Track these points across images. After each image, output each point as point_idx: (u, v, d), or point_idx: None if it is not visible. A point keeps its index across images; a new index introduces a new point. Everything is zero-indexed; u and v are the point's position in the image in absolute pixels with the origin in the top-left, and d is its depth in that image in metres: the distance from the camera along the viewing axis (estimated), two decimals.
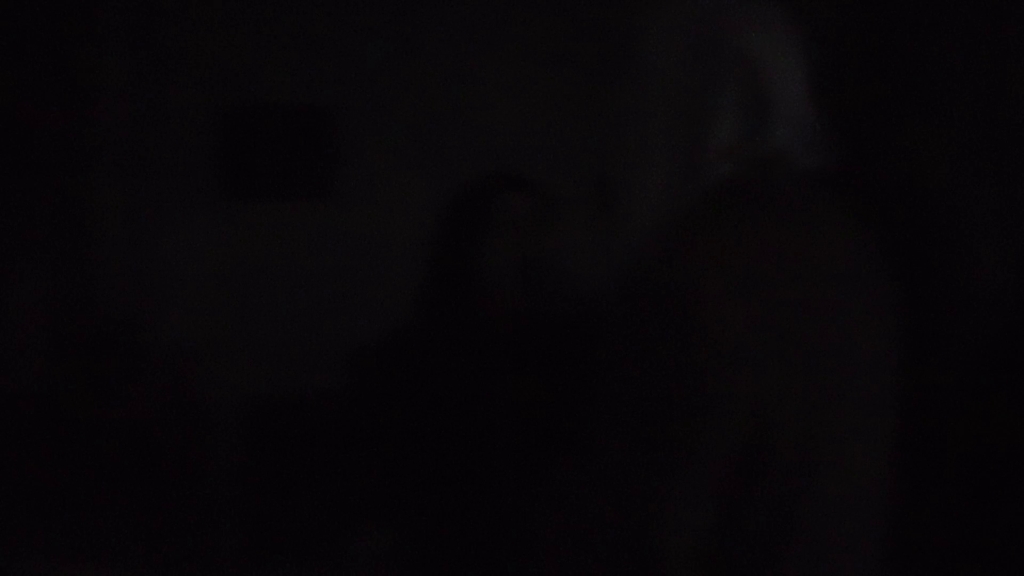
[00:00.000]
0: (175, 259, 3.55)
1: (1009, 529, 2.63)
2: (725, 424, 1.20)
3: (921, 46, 3.33)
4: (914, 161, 3.32)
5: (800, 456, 1.23)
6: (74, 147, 3.81)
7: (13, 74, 3.55)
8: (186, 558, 2.26)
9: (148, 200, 3.81)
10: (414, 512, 2.07)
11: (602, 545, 1.24)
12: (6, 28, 3.55)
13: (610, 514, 1.23)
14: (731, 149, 1.34)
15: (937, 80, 3.31)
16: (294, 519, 3.00)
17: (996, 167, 3.25)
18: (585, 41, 3.65)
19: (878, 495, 1.35)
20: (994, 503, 2.68)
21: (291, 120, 4.01)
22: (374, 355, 2.21)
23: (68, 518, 2.13)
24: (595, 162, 3.60)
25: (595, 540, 1.24)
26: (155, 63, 3.88)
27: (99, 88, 3.86)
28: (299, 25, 3.96)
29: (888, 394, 1.36)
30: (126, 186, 3.82)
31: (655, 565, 1.22)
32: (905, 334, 1.39)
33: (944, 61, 3.31)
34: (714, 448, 1.20)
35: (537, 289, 2.06)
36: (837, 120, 1.42)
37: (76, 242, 3.69)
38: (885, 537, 1.36)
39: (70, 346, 2.18)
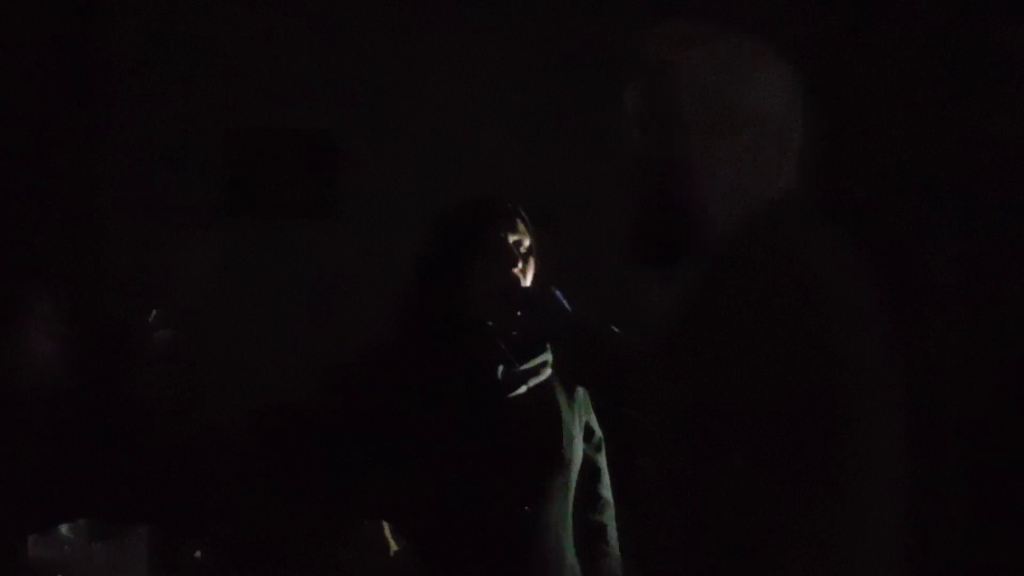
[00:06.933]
0: (182, 270, 3.64)
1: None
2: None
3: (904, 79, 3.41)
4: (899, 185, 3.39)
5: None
6: (90, 166, 3.92)
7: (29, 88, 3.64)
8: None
9: (158, 213, 3.92)
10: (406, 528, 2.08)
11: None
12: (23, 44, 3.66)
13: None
14: (744, 190, 1.40)
15: (922, 109, 3.39)
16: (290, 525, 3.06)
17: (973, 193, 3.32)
18: (591, 76, 3.63)
19: (892, 510, 1.35)
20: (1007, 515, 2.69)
21: (295, 142, 4.12)
22: (356, 371, 2.22)
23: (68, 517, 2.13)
24: (586, 189, 3.66)
25: None
26: (169, 90, 4.00)
27: (114, 109, 3.98)
28: (304, 55, 4.07)
29: (893, 412, 1.36)
30: (138, 200, 3.94)
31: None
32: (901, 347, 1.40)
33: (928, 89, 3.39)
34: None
35: (525, 315, 2.05)
36: (835, 152, 1.47)
37: (88, 252, 3.80)
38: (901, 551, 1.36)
39: (80, 351, 2.24)
